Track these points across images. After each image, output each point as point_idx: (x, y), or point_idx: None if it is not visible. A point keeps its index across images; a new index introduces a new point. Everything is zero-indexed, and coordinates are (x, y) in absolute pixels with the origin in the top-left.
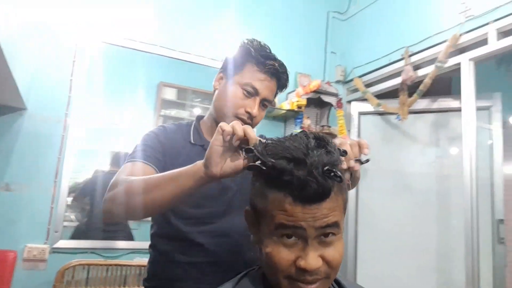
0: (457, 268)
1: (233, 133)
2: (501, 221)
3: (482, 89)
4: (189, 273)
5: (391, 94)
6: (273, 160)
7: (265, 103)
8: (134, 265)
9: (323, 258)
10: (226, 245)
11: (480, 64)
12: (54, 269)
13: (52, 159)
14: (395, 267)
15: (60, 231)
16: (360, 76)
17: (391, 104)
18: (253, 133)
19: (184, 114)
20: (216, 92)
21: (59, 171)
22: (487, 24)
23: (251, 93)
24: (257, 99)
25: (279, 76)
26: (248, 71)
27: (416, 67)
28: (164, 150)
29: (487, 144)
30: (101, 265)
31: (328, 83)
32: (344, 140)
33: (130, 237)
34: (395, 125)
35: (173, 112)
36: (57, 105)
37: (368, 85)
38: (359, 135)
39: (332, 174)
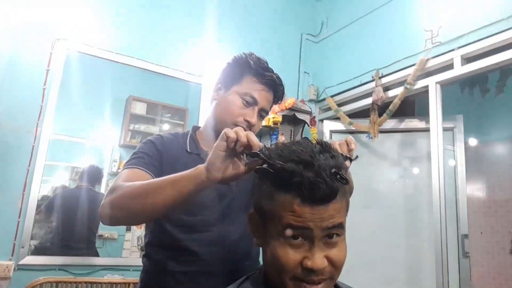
0: (427, 280)
1: (237, 139)
2: (466, 236)
3: (446, 111)
4: (182, 283)
5: (362, 114)
6: (282, 163)
7: (262, 113)
8: (105, 282)
9: (328, 258)
10: (220, 254)
11: (445, 87)
12: None
13: (21, 171)
14: (366, 279)
15: (27, 246)
16: (332, 96)
17: (362, 123)
18: (256, 139)
19: (153, 129)
20: (215, 102)
21: (27, 183)
22: (452, 50)
23: (250, 102)
24: (256, 109)
25: (276, 87)
26: (247, 82)
27: (386, 89)
28: (161, 158)
29: (451, 164)
30: (70, 282)
31: (303, 101)
32: (333, 141)
33: (96, 254)
34: (366, 144)
35: (142, 127)
36: (29, 115)
37: (340, 104)
38: None
39: (339, 176)
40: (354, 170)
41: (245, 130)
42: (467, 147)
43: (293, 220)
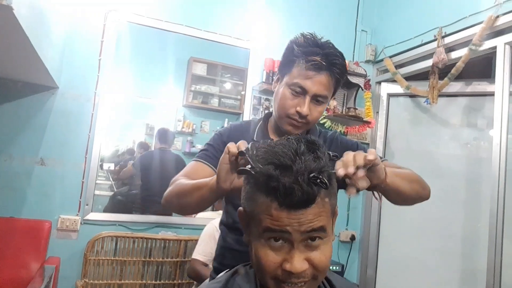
0: (481, 254)
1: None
2: None
3: None
4: (238, 261)
5: (421, 76)
6: (260, 166)
7: (319, 99)
8: (159, 239)
9: (309, 261)
10: None
11: None
12: (85, 239)
13: (83, 136)
14: (419, 250)
15: (91, 204)
16: (391, 57)
17: (421, 87)
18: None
19: (214, 89)
20: (274, 94)
21: (89, 148)
22: None
23: (299, 92)
24: (307, 98)
25: (327, 68)
26: (295, 70)
27: (449, 49)
28: None
29: None
30: (128, 237)
31: (357, 63)
32: (348, 152)
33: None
34: (425, 108)
35: (203, 88)
36: (87, 84)
37: (399, 66)
38: (387, 117)
39: (318, 180)
40: (411, 137)
41: (299, 121)
42: None
43: (271, 223)
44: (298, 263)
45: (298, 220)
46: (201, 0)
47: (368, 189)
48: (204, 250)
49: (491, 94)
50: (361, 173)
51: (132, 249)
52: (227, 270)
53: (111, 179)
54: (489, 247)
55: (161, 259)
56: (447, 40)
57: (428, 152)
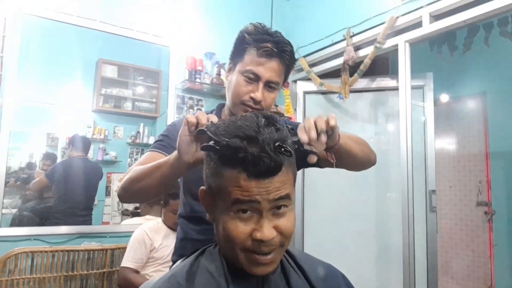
0: (394, 234)
1: (197, 123)
2: (433, 191)
3: (416, 69)
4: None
5: (333, 73)
6: (227, 139)
7: (271, 85)
8: (81, 250)
9: (276, 228)
10: None
11: (414, 45)
12: None
13: None
14: (338, 234)
15: None
16: (305, 56)
17: (333, 84)
18: (205, 120)
19: (127, 93)
20: (227, 83)
21: None
22: (421, 7)
23: (252, 78)
24: (260, 84)
25: (278, 55)
26: (247, 58)
27: (357, 48)
28: None
29: (421, 121)
30: (46, 251)
31: None
32: (309, 117)
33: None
34: (337, 104)
35: (114, 91)
36: None
37: (312, 64)
38: (304, 114)
39: (283, 149)
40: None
41: (254, 107)
42: (437, 104)
43: (240, 194)
44: (268, 230)
45: (267, 189)
46: None
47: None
48: (134, 257)
49: (393, 89)
50: (323, 138)
51: (52, 264)
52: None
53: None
54: (403, 226)
55: (85, 272)
56: (355, 39)
57: None
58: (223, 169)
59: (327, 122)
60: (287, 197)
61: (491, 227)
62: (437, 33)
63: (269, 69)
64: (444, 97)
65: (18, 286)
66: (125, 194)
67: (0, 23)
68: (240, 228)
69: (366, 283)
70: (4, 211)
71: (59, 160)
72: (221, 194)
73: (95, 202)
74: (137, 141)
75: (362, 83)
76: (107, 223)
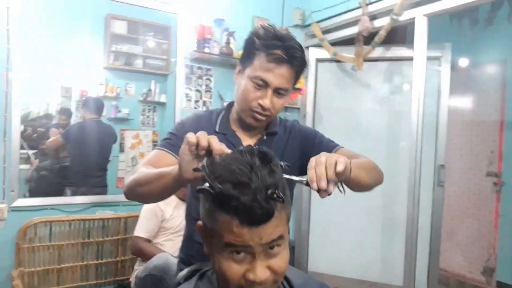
0: (400, 206)
1: (198, 144)
2: (442, 166)
3: (433, 39)
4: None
5: (347, 41)
6: (220, 186)
7: (280, 91)
8: (96, 219)
9: (270, 268)
10: None
11: (433, 18)
12: (14, 227)
13: None
14: (345, 206)
15: (17, 190)
16: (318, 22)
17: (346, 53)
18: (217, 144)
19: (137, 49)
20: (236, 85)
21: (7, 130)
22: None
23: (261, 85)
24: (269, 90)
25: (288, 61)
26: (256, 63)
27: (373, 17)
28: None
29: (435, 92)
30: (63, 221)
31: (287, 29)
32: (318, 159)
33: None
34: (350, 73)
35: (125, 48)
36: None
37: (326, 31)
38: (316, 82)
39: (275, 196)
40: (338, 100)
41: (262, 113)
42: (454, 70)
43: (233, 239)
44: (261, 272)
45: (259, 235)
46: None
47: None
48: (147, 227)
49: (409, 59)
50: (331, 189)
51: (69, 232)
52: (193, 267)
53: (25, 146)
54: (408, 198)
55: (100, 239)
56: (371, 8)
57: (353, 114)
58: (217, 212)
59: (336, 170)
60: (280, 238)
61: (499, 198)
62: (458, 9)
63: (278, 75)
64: (463, 63)
65: (39, 252)
66: (130, 194)
67: None
68: (234, 269)
69: (370, 252)
70: (21, 166)
71: (73, 115)
72: (215, 236)
73: (110, 158)
74: (149, 98)
75: (377, 52)
76: (122, 178)
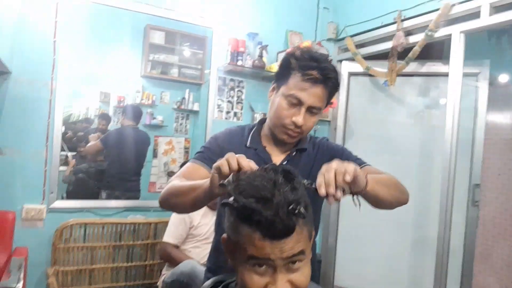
0: (432, 225)
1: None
2: (477, 185)
3: (471, 56)
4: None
5: (382, 55)
6: (244, 200)
7: (313, 110)
8: (128, 223)
9: (291, 282)
10: None
11: (470, 35)
12: (52, 227)
13: (42, 123)
14: (375, 220)
15: (55, 192)
16: (352, 36)
17: (379, 67)
18: (246, 161)
19: (173, 59)
20: (270, 103)
21: (49, 135)
22: None
23: (295, 103)
24: (302, 109)
25: (323, 82)
26: (291, 82)
27: (408, 33)
28: (221, 152)
29: (472, 109)
30: (96, 223)
31: (319, 43)
32: (329, 166)
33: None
34: (383, 88)
35: (161, 57)
36: (42, 68)
37: (359, 45)
38: (347, 95)
39: (297, 211)
40: (369, 115)
41: (294, 131)
42: (493, 85)
43: (255, 252)
44: (281, 285)
45: (280, 249)
46: None
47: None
48: (175, 233)
49: (444, 75)
50: (339, 195)
51: (102, 234)
52: (218, 277)
53: (65, 148)
54: (440, 217)
55: (131, 243)
56: (406, 23)
57: (385, 129)
58: (241, 225)
59: (344, 178)
60: (301, 253)
61: None
62: (497, 27)
63: (312, 95)
64: (502, 79)
65: (73, 252)
66: (164, 204)
67: (52, 9)
68: (256, 281)
69: (399, 271)
70: (61, 168)
71: (112, 121)
72: (239, 248)
73: (144, 164)
74: (182, 106)
75: (411, 66)
76: (154, 183)
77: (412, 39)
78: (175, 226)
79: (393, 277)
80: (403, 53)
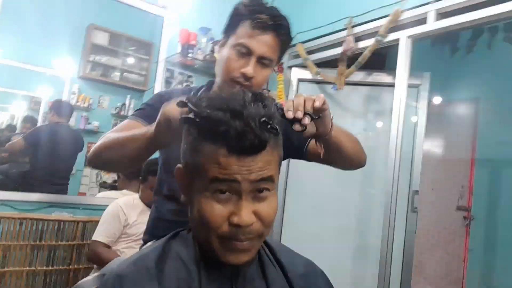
0: (374, 231)
1: None
2: (416, 192)
3: (413, 67)
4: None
5: (331, 63)
6: (208, 111)
7: (264, 61)
8: (52, 220)
9: (256, 214)
10: None
11: (416, 42)
12: None
13: None
14: (318, 228)
15: None
16: (303, 42)
17: (329, 74)
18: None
19: (116, 62)
20: (217, 59)
21: None
22: (427, 3)
23: (244, 52)
24: (252, 59)
25: (274, 28)
26: (240, 31)
27: (357, 39)
28: None
29: (413, 121)
30: (13, 218)
31: None
32: (300, 94)
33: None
34: (331, 95)
35: (103, 59)
36: None
37: (310, 52)
38: None
39: (269, 126)
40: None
41: (244, 84)
42: (430, 105)
43: (219, 172)
44: (246, 215)
45: (248, 168)
46: None
47: (312, 137)
48: (107, 231)
49: (389, 85)
50: (307, 120)
51: (19, 231)
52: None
53: None
54: (383, 225)
55: (54, 243)
56: (356, 30)
57: None
58: (202, 144)
59: (314, 103)
60: (271, 179)
61: (468, 232)
62: (442, 32)
63: (262, 43)
64: (437, 99)
65: None
66: (96, 161)
67: None
68: (217, 211)
69: (342, 278)
70: None
71: (39, 123)
72: (198, 172)
73: (73, 172)
74: (122, 113)
75: (357, 76)
76: (84, 194)
77: (362, 44)
78: (108, 223)
79: (336, 286)
80: (352, 61)
